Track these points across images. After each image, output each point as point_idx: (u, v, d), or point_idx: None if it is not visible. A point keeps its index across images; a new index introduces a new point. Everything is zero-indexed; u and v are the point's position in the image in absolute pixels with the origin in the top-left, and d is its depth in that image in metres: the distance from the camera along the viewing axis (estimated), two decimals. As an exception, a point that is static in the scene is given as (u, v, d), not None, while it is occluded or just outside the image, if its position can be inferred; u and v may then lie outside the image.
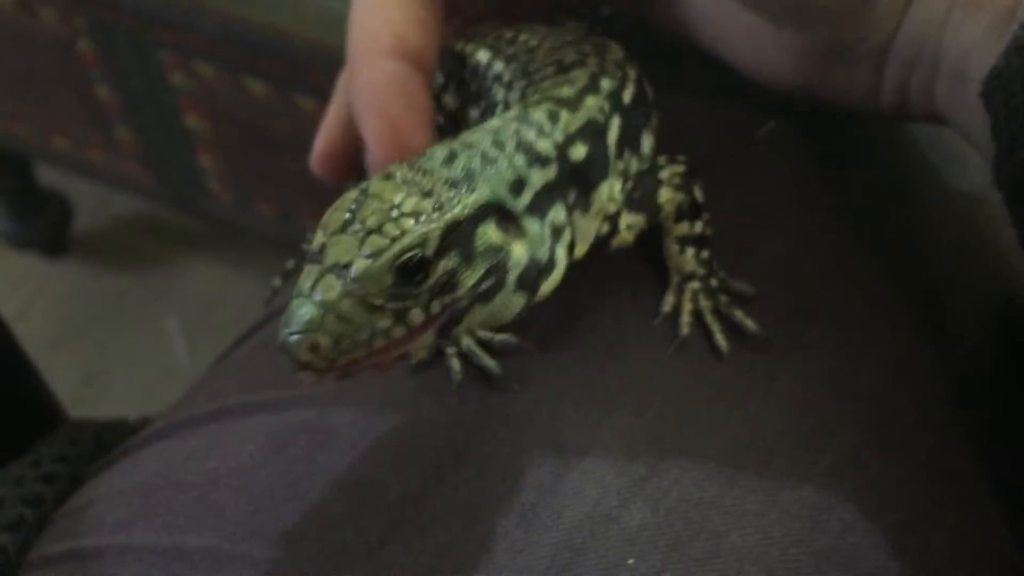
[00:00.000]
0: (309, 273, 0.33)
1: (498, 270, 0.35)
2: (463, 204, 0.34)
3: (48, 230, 1.55)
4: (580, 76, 0.41)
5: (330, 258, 0.33)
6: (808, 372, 0.40)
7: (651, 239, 0.43)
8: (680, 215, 0.41)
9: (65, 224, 1.58)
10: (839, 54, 0.42)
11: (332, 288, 0.32)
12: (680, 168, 0.41)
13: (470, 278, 0.35)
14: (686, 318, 0.41)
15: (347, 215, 0.33)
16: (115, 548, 0.39)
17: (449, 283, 0.34)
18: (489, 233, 0.35)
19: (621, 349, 0.40)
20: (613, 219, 0.41)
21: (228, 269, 1.50)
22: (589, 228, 0.40)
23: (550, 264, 0.37)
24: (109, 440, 0.49)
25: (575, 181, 0.39)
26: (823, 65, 0.43)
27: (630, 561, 0.35)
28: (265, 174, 1.19)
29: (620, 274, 0.43)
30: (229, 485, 0.39)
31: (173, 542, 0.38)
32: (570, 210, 0.38)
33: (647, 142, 0.44)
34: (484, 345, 0.41)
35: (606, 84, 0.41)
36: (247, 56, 1.04)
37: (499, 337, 0.41)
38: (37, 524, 0.43)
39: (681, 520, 0.36)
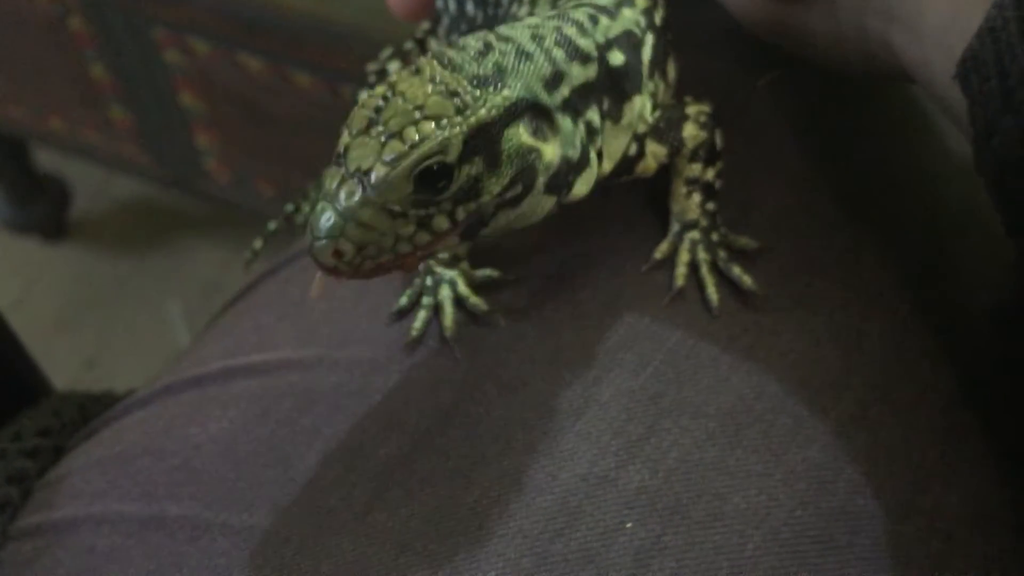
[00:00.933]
0: (332, 176, 0.32)
1: (527, 175, 0.34)
2: (489, 105, 0.33)
3: (47, 214, 1.54)
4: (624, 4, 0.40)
5: (352, 163, 0.32)
6: (814, 328, 0.38)
7: (654, 191, 0.41)
8: (695, 156, 0.40)
9: (64, 208, 1.56)
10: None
11: (353, 195, 0.31)
12: (707, 108, 0.40)
13: (496, 184, 0.33)
14: (681, 269, 0.39)
15: (372, 114, 0.32)
16: (92, 518, 0.38)
17: (474, 189, 0.33)
18: (519, 135, 0.34)
19: (618, 306, 0.39)
20: (641, 141, 0.39)
21: (228, 251, 1.48)
22: (618, 141, 0.38)
23: (582, 163, 0.36)
24: (94, 412, 0.48)
25: (610, 88, 0.37)
26: (784, 11, 0.41)
27: (628, 524, 0.34)
28: (263, 152, 1.17)
29: (617, 229, 0.41)
30: (210, 452, 0.37)
31: (151, 511, 0.37)
32: (603, 118, 0.37)
33: (672, 70, 0.42)
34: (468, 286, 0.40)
35: (641, 1, 0.40)
36: (242, 31, 1.02)
37: (480, 273, 0.40)
38: (21, 500, 0.42)
39: (681, 482, 0.34)
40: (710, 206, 0.40)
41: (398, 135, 0.32)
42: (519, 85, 0.34)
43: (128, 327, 1.47)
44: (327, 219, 0.31)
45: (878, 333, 0.39)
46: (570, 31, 0.36)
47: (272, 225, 0.51)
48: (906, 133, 0.46)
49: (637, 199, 0.42)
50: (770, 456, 0.35)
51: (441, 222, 0.33)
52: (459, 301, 0.39)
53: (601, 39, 0.37)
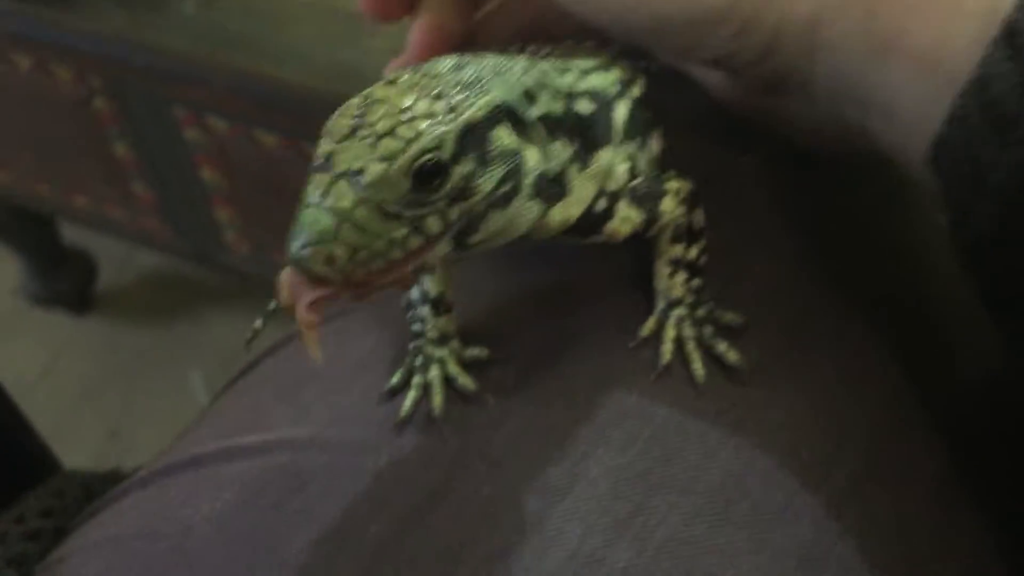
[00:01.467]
0: (317, 182, 0.31)
1: (514, 175, 0.34)
2: (477, 106, 0.33)
3: (73, 287, 1.57)
4: (592, 57, 0.41)
5: (340, 165, 0.31)
6: (804, 401, 0.38)
7: (641, 267, 0.42)
8: (677, 237, 0.40)
9: (90, 281, 1.59)
10: (771, 90, 0.42)
11: (345, 195, 0.30)
12: (688, 185, 0.40)
13: (488, 183, 0.33)
14: (667, 345, 0.39)
15: (353, 121, 0.32)
16: (88, 602, 0.38)
17: (467, 188, 0.33)
18: (504, 136, 0.34)
19: (607, 381, 0.39)
20: (612, 200, 0.39)
21: (249, 321, 1.49)
22: (585, 189, 0.38)
23: (561, 185, 0.36)
24: (99, 491, 0.48)
25: (579, 132, 0.38)
26: (763, 100, 0.43)
27: (615, 604, 0.34)
28: (280, 224, 1.18)
29: (606, 304, 0.42)
30: (203, 534, 0.38)
31: (145, 594, 0.37)
32: (571, 159, 0.37)
33: (655, 145, 0.43)
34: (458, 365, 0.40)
35: (616, 71, 0.41)
36: (258, 109, 1.05)
37: (470, 351, 0.40)
38: None
39: (669, 560, 0.34)
40: (695, 283, 0.40)
41: (389, 134, 0.31)
42: (500, 90, 0.34)
43: (151, 397, 1.49)
44: (317, 222, 0.30)
45: (868, 407, 0.39)
46: (542, 66, 0.37)
47: (272, 304, 0.51)
48: (894, 204, 0.46)
49: (624, 275, 0.42)
50: (759, 533, 0.35)
51: (434, 224, 0.32)
52: (448, 380, 0.40)
53: (566, 88, 0.38)
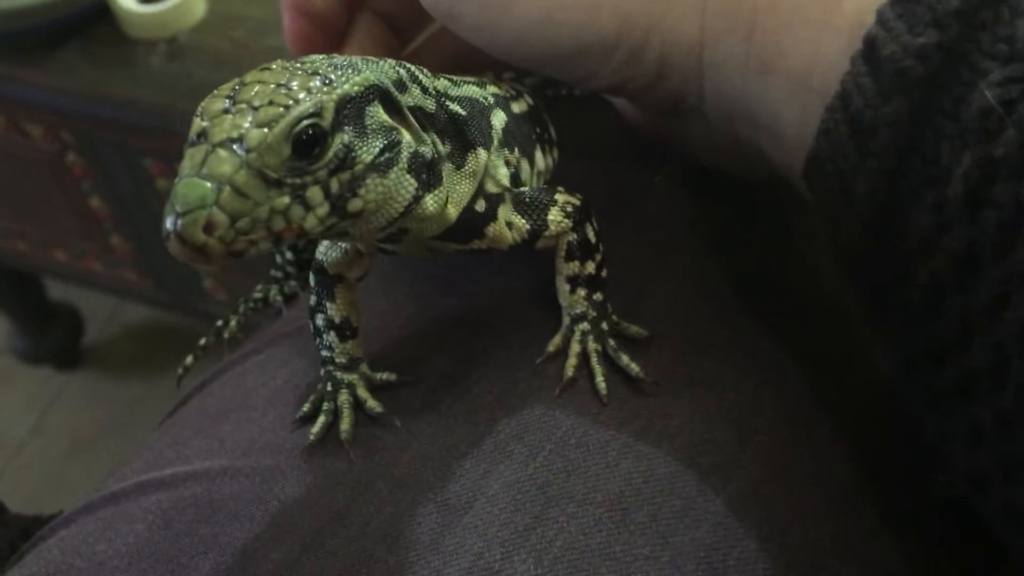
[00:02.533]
0: (191, 155, 0.30)
1: (393, 148, 0.34)
2: (352, 81, 0.33)
3: (60, 344, 1.58)
4: (469, 78, 0.41)
5: (217, 136, 0.30)
6: (705, 409, 0.39)
7: (547, 287, 0.42)
8: (571, 254, 0.40)
9: (77, 337, 1.60)
10: (669, 113, 0.43)
11: (225, 161, 0.30)
12: (575, 200, 0.40)
13: (367, 154, 0.33)
14: (572, 360, 0.40)
15: (226, 101, 0.32)
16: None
17: (347, 159, 0.32)
18: (380, 113, 0.34)
19: (511, 399, 0.39)
20: (491, 202, 0.39)
21: (235, 368, 1.51)
22: (462, 187, 0.38)
23: (436, 175, 0.36)
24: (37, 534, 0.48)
25: (452, 132, 0.38)
26: (665, 123, 0.44)
27: (512, 616, 0.34)
28: (255, 270, 1.20)
29: (514, 324, 0.42)
30: (113, 567, 0.38)
31: (54, 630, 0.37)
32: (446, 157, 0.37)
33: (541, 160, 0.44)
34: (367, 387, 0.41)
35: (493, 88, 0.42)
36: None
37: (379, 375, 0.41)
38: None
39: (567, 570, 0.35)
40: (597, 296, 0.41)
41: (268, 104, 0.31)
42: (373, 75, 0.34)
43: (141, 449, 1.49)
44: (194, 188, 0.29)
45: (771, 412, 0.39)
46: (412, 67, 0.37)
47: (203, 340, 0.52)
48: (807, 217, 0.47)
49: (530, 296, 0.43)
50: (658, 539, 0.35)
51: (315, 194, 0.32)
52: (358, 404, 0.40)
53: (439, 88, 0.38)
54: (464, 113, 0.39)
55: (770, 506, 0.37)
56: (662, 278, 0.43)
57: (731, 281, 0.43)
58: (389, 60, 0.37)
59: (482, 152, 0.39)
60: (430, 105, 0.37)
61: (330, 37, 0.46)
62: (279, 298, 0.52)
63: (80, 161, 1.17)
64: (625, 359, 0.40)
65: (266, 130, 0.30)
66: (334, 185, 0.32)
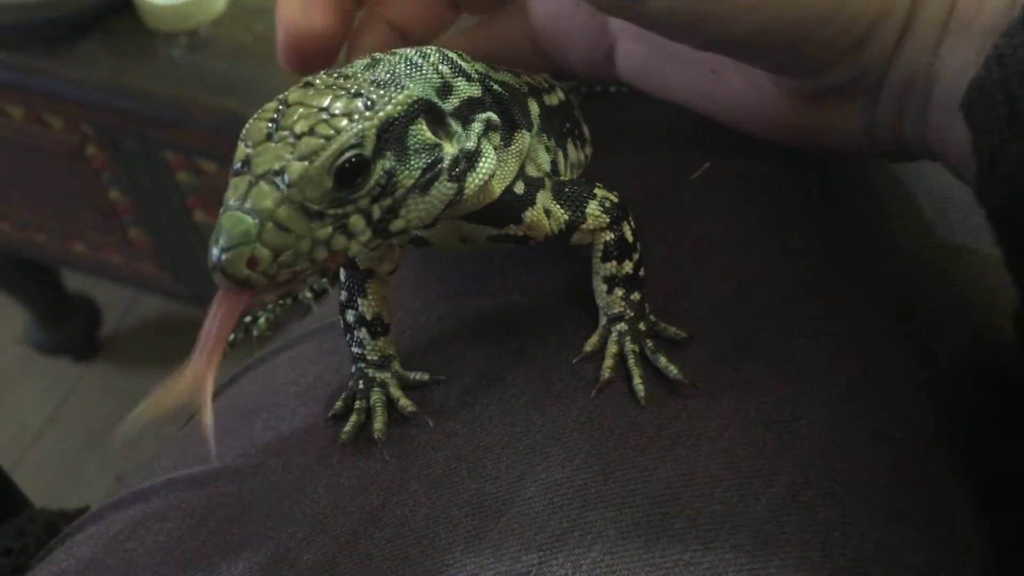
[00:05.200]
0: (236, 185, 0.30)
1: (435, 167, 0.34)
2: (395, 101, 0.33)
3: (78, 335, 1.58)
4: (504, 67, 0.41)
5: (260, 166, 0.30)
6: (745, 412, 0.38)
7: (583, 285, 0.42)
8: (608, 254, 0.40)
9: (94, 328, 1.60)
10: (835, 95, 0.41)
11: (267, 196, 0.30)
12: (613, 197, 0.40)
13: (408, 178, 0.33)
14: (608, 361, 0.39)
15: (269, 125, 0.31)
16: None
17: (388, 185, 0.32)
18: (422, 131, 0.33)
19: (547, 400, 0.39)
20: (532, 185, 0.39)
21: (252, 361, 1.51)
22: (507, 166, 0.38)
23: (477, 154, 0.35)
24: (63, 529, 0.48)
25: (499, 111, 0.37)
26: (817, 108, 0.42)
27: (550, 622, 0.33)
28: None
29: (549, 323, 0.42)
30: (145, 566, 0.38)
31: (85, 628, 0.37)
32: (495, 129, 0.37)
33: (574, 153, 0.43)
34: (400, 386, 0.40)
35: (527, 79, 0.42)
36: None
37: (412, 375, 0.40)
38: None
39: (605, 575, 0.34)
40: (635, 296, 0.40)
41: (309, 133, 0.31)
42: (417, 87, 0.34)
43: (157, 441, 1.49)
44: (238, 225, 0.29)
45: (811, 414, 0.38)
46: (451, 55, 0.37)
47: (231, 337, 0.52)
48: (843, 216, 0.46)
49: (566, 294, 0.42)
50: (698, 544, 0.35)
51: (357, 221, 0.32)
52: (390, 403, 0.39)
53: (482, 70, 0.38)
54: (506, 94, 0.38)
55: (811, 512, 0.36)
56: (700, 279, 0.42)
57: (769, 282, 0.42)
58: (432, 53, 0.36)
59: (526, 133, 0.39)
60: (476, 91, 0.37)
61: (327, 55, 0.45)
62: (308, 294, 0.52)
63: (100, 153, 1.17)
64: (663, 360, 0.39)
65: (307, 163, 0.30)
66: (376, 211, 0.32)
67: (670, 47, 0.44)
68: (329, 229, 0.31)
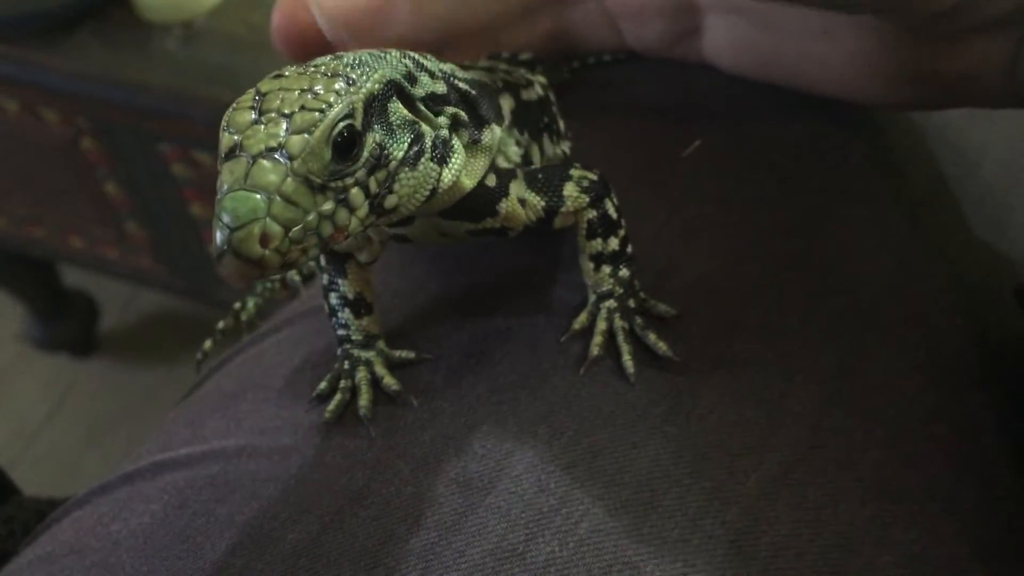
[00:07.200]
0: (231, 169, 0.29)
1: (419, 140, 0.34)
2: (373, 79, 0.33)
3: (76, 331, 1.58)
4: (480, 64, 0.41)
5: (255, 147, 0.30)
6: (734, 390, 0.38)
7: (571, 264, 0.41)
8: (592, 232, 0.39)
9: (92, 324, 1.60)
10: (981, 27, 0.39)
11: (270, 171, 0.29)
12: (592, 175, 0.39)
13: (398, 150, 0.33)
14: (597, 338, 0.38)
15: (252, 112, 0.31)
16: (16, 620, 0.38)
17: (381, 156, 0.32)
18: (401, 109, 0.34)
19: (535, 378, 0.38)
20: (503, 177, 0.38)
21: (250, 356, 1.50)
22: (477, 161, 0.37)
23: (449, 148, 0.35)
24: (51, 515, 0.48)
25: (466, 108, 0.37)
26: (954, 49, 0.41)
27: (537, 599, 0.33)
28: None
29: (537, 302, 0.41)
30: (129, 547, 0.37)
31: (68, 609, 0.37)
32: (463, 125, 0.37)
33: (550, 147, 0.43)
34: (386, 365, 0.40)
35: (504, 75, 0.41)
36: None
37: (398, 353, 0.40)
38: None
39: (593, 552, 0.34)
40: (623, 273, 0.40)
41: (300, 110, 0.30)
42: (387, 70, 0.34)
43: (158, 429, 1.49)
44: (243, 201, 0.28)
45: (802, 393, 0.38)
46: (413, 54, 0.37)
47: (221, 324, 0.51)
48: (833, 197, 0.46)
49: (555, 272, 0.42)
50: (687, 522, 0.34)
51: (357, 195, 0.32)
52: (376, 382, 0.39)
53: (447, 71, 0.37)
54: (474, 91, 0.38)
55: (802, 490, 0.36)
56: (690, 256, 0.42)
57: (760, 260, 0.42)
58: (392, 51, 0.36)
59: (496, 128, 0.38)
60: (440, 88, 0.36)
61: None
62: (297, 278, 0.52)
63: (95, 146, 1.17)
64: (652, 337, 0.38)
65: (306, 135, 0.30)
66: (373, 184, 0.32)
67: (775, 18, 0.43)
68: (332, 203, 0.31)
